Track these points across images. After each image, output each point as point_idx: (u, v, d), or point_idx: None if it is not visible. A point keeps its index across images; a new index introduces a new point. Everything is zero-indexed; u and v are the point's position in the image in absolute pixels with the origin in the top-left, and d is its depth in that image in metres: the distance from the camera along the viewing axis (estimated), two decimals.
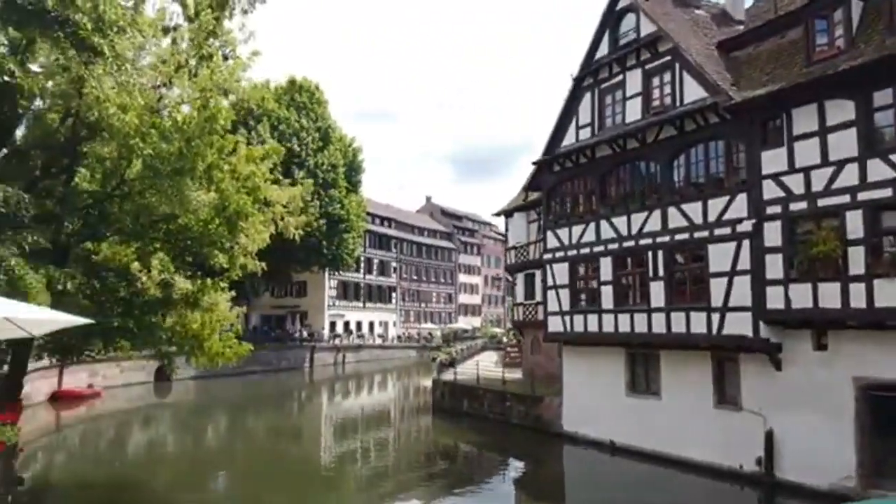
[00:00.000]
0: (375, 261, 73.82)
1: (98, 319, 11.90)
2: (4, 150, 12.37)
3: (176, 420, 31.89)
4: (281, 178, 16.09)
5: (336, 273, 62.55)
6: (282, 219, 13.61)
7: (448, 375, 29.29)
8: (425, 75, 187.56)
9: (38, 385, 30.95)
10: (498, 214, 32.59)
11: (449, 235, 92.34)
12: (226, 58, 14.07)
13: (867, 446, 13.38)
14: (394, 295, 76.96)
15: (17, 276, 8.97)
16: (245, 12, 14.81)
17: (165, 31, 13.66)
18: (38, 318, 8.28)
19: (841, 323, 13.79)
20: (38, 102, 12.47)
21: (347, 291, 68.95)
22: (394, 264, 77.47)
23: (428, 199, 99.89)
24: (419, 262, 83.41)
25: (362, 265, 70.41)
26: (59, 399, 32.03)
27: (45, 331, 8.91)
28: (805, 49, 15.23)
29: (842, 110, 13.73)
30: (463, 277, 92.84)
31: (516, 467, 20.30)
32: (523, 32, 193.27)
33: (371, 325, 72.28)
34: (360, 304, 70.74)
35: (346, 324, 68.06)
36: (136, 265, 13.87)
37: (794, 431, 14.59)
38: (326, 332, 63.38)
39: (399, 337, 73.83)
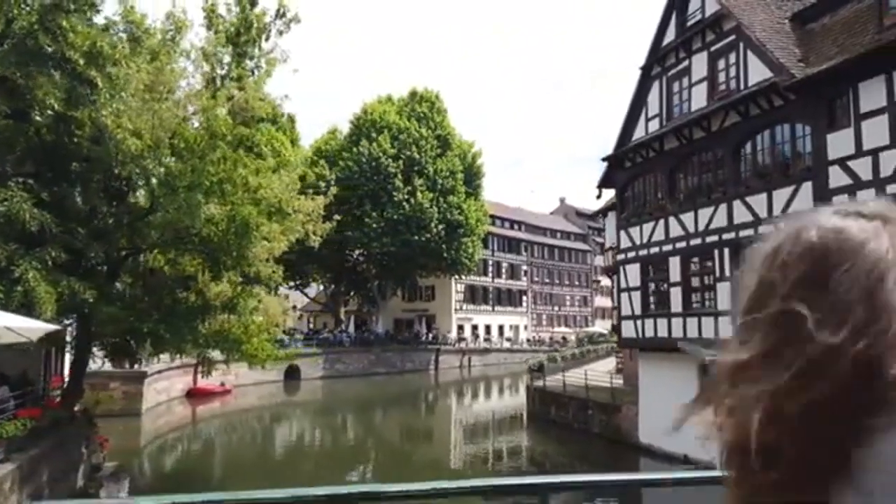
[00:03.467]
0: (504, 264, 73.67)
1: (136, 326, 13.28)
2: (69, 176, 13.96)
3: (301, 417, 33.77)
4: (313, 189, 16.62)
5: (462, 277, 63.32)
6: (303, 226, 14.25)
7: (539, 382, 28.61)
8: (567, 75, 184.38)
9: (175, 382, 34.63)
10: (595, 214, 31.43)
11: (584, 237, 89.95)
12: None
13: None
14: (524, 298, 76.34)
15: (31, 287, 10.20)
16: (281, 33, 15.71)
17: (206, 56, 14.81)
18: (30, 326, 9.45)
19: None
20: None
21: (475, 295, 69.51)
22: (524, 267, 76.84)
23: (562, 200, 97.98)
24: (552, 265, 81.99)
25: (490, 269, 70.66)
26: (193, 395, 35.50)
27: (38, 335, 10.10)
28: (877, 12, 13.24)
29: None
30: (599, 279, 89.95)
31: None
32: None
33: (500, 328, 72.26)
34: (489, 308, 71.00)
35: (474, 327, 68.61)
36: (204, 277, 15.21)
37: None
38: (454, 335, 64.30)
39: (529, 340, 73.06)
